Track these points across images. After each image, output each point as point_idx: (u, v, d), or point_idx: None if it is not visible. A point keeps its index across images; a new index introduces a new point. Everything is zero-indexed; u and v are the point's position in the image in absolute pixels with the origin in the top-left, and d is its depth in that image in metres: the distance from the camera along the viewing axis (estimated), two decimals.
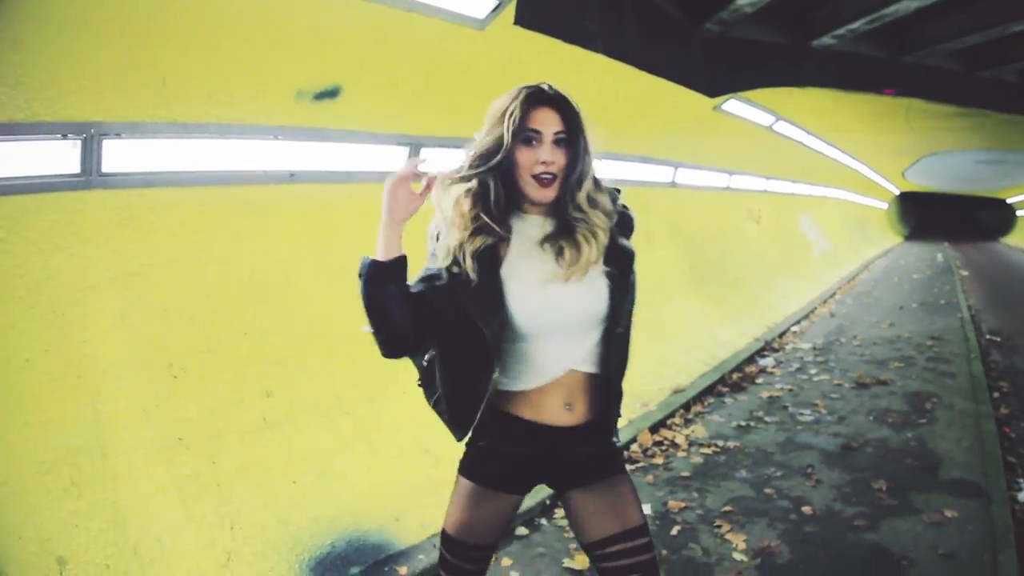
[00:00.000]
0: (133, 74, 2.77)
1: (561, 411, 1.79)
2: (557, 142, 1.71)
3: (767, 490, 4.27)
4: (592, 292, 1.76)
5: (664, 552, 3.48)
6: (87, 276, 2.88)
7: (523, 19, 3.98)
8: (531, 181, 1.72)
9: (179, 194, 3.18)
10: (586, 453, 1.85)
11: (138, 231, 3.05)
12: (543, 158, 1.69)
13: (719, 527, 3.76)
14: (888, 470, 4.60)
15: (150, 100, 2.89)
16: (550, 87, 1.74)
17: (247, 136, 3.32)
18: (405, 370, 4.08)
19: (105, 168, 2.82)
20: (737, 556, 3.47)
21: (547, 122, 1.70)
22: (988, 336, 9.44)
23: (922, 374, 7.20)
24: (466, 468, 1.88)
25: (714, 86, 6.79)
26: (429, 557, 3.21)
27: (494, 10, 3.68)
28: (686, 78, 6.32)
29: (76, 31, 2.54)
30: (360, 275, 1.71)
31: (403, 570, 3.15)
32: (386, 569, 3.16)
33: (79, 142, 2.71)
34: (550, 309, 1.73)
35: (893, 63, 8.29)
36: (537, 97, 1.71)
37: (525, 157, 1.70)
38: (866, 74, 8.17)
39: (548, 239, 1.77)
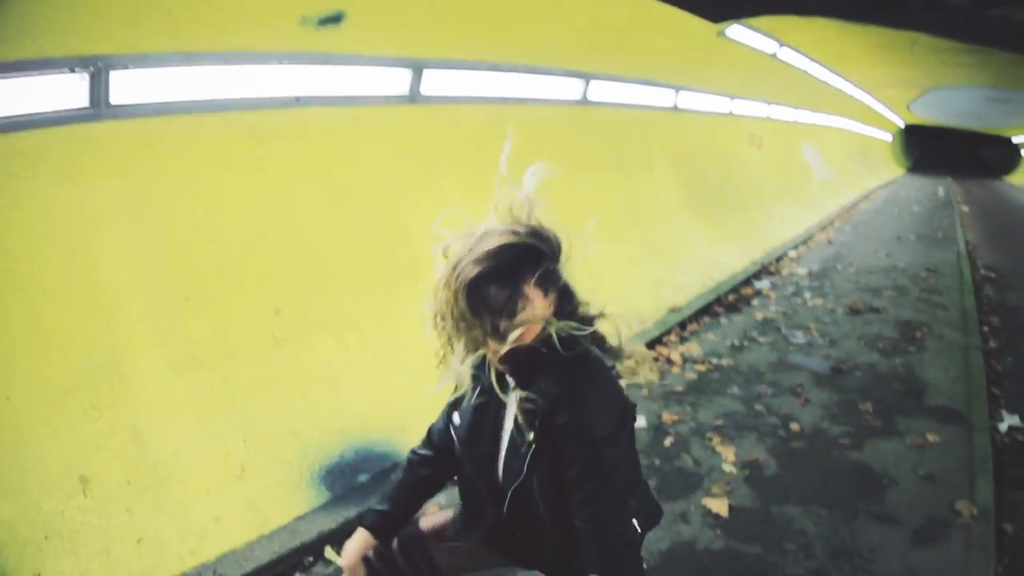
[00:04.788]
0: (138, 6, 2.79)
1: None
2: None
3: (758, 407, 4.44)
4: None
5: (657, 462, 3.66)
6: (100, 205, 2.94)
7: None
8: None
9: (187, 122, 3.22)
10: None
11: (148, 159, 3.10)
12: None
13: (710, 439, 3.94)
14: (875, 393, 4.76)
15: (156, 31, 2.90)
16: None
17: (252, 62, 3.35)
18: (408, 295, 4.20)
19: (113, 100, 2.86)
20: (726, 468, 3.65)
21: None
22: (983, 271, 9.52)
23: (915, 304, 7.32)
24: None
25: (717, 11, 6.70)
26: None
27: None
28: (689, 2, 6.24)
29: None
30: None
31: None
32: (392, 477, 3.32)
33: (87, 75, 2.73)
34: None
35: None
36: None
37: None
38: (870, 5, 8.01)
39: None
